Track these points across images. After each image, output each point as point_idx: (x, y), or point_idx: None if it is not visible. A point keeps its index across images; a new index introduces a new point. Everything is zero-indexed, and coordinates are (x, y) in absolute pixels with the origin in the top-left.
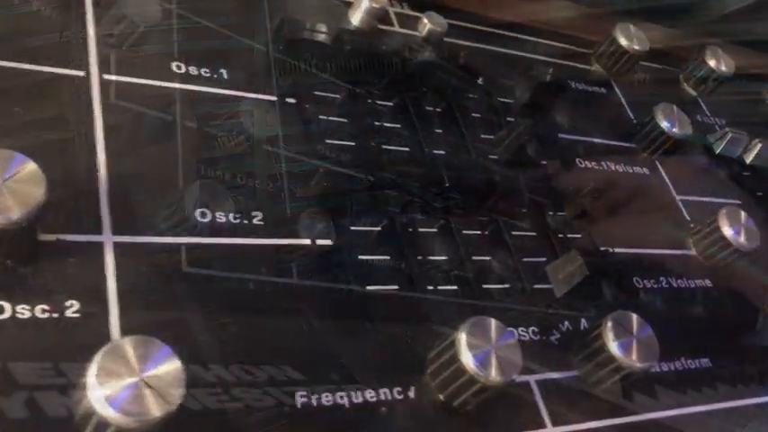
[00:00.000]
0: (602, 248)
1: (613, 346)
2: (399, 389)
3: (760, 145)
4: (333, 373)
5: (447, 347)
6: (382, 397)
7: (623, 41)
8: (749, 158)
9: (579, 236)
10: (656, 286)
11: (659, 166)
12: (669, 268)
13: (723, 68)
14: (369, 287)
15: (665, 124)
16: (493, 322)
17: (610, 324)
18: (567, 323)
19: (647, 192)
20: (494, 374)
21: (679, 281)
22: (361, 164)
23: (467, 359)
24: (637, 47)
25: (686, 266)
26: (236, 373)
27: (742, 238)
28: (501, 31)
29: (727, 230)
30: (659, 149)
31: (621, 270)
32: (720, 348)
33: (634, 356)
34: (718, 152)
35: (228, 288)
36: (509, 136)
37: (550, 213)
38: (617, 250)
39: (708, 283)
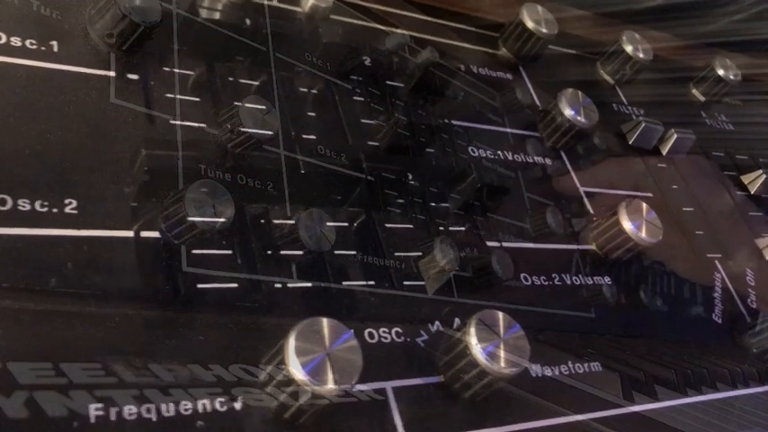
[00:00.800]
0: (489, 243)
1: (477, 350)
2: (222, 400)
3: (676, 135)
4: None
5: (276, 353)
6: (200, 409)
7: (530, 24)
8: (665, 149)
9: (463, 229)
10: (546, 283)
11: (564, 157)
12: (563, 264)
13: (640, 55)
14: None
15: (568, 112)
16: (326, 323)
17: (474, 324)
18: (437, 323)
19: (548, 183)
20: (329, 383)
21: (574, 277)
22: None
23: (296, 367)
24: (545, 30)
25: (582, 262)
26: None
27: (643, 233)
28: (398, 11)
29: (627, 224)
30: (563, 139)
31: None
32: (607, 352)
33: (500, 361)
34: (631, 142)
35: None
36: (388, 122)
37: (432, 204)
38: (506, 245)
39: (606, 279)
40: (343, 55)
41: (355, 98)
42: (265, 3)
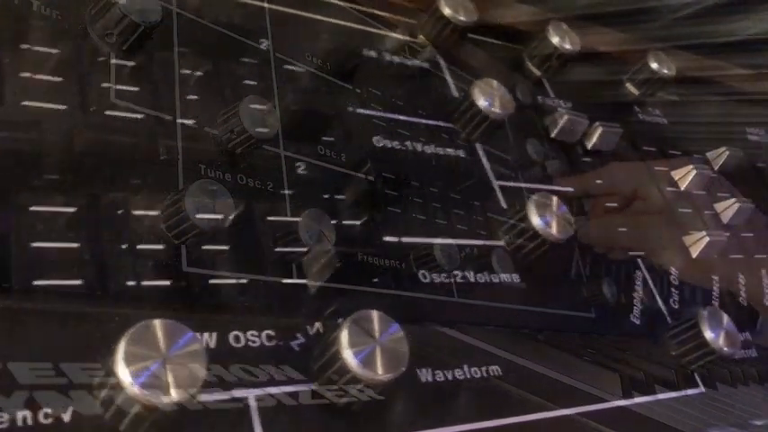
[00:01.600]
0: (388, 238)
1: (348, 354)
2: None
3: (601, 128)
4: None
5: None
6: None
7: (447, 11)
8: (590, 143)
9: (358, 223)
10: (447, 281)
11: (479, 149)
12: (467, 261)
13: (567, 46)
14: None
15: (482, 102)
16: (158, 325)
17: (347, 327)
18: (317, 325)
19: (459, 177)
20: (168, 394)
21: (479, 275)
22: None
23: (123, 376)
24: (462, 17)
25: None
26: None
27: (553, 228)
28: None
29: (536, 220)
30: (477, 130)
31: (401, 263)
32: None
33: (376, 365)
34: (553, 135)
35: None
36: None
37: (325, 197)
38: (407, 240)
39: (515, 277)
40: (343, 55)
41: (355, 98)
42: (265, 4)
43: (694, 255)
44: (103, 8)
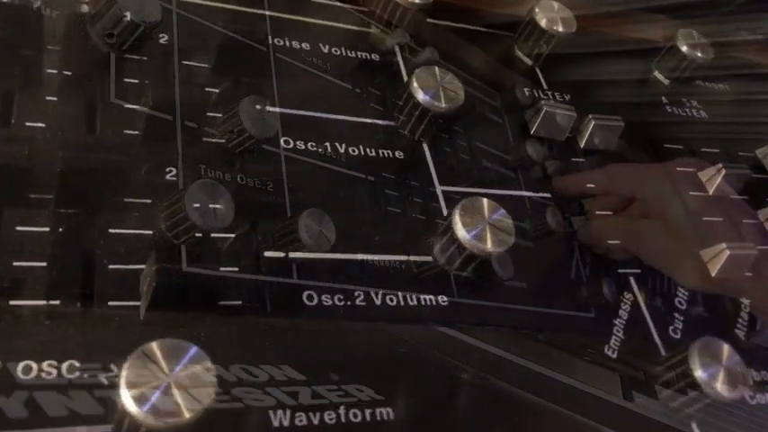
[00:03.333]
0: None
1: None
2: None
3: (593, 122)
4: None
5: None
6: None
7: None
8: (582, 140)
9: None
10: (340, 303)
11: (425, 149)
12: (391, 279)
13: (559, 28)
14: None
15: (421, 96)
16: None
17: (128, 367)
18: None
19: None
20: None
21: (403, 293)
22: None
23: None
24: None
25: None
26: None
27: (483, 241)
28: None
29: (461, 232)
30: (420, 127)
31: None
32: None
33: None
34: (532, 131)
35: None
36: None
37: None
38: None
39: (442, 300)
40: (342, 55)
41: (355, 98)
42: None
43: (713, 272)
44: (103, 8)
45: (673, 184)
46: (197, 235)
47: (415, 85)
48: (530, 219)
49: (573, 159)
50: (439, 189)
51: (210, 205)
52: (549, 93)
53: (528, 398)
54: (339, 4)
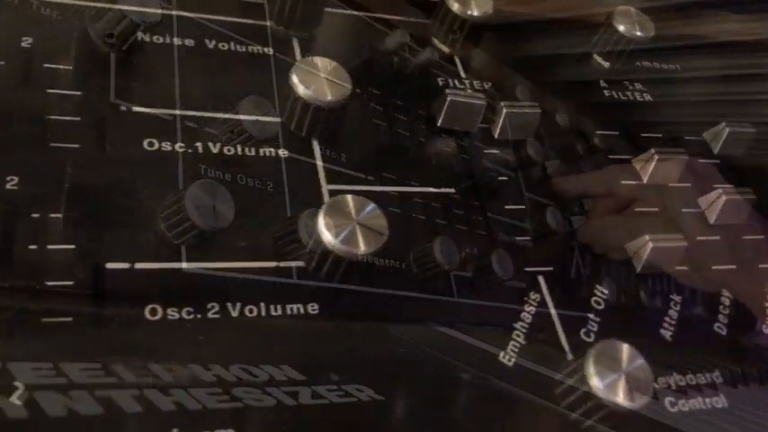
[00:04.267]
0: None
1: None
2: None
3: (505, 110)
4: None
5: None
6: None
7: None
8: (496, 130)
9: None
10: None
11: (315, 147)
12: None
13: (474, 12)
14: None
15: (302, 91)
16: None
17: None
18: None
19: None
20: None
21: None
22: None
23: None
24: None
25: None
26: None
27: (353, 243)
28: None
29: (326, 235)
30: (306, 123)
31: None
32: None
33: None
34: (440, 123)
35: None
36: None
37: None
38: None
39: (312, 308)
40: (343, 55)
41: (355, 98)
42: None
43: (638, 268)
44: (103, 8)
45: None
46: (197, 235)
47: (295, 79)
48: (530, 219)
49: (486, 151)
50: (326, 188)
51: (210, 205)
52: (468, 81)
53: (527, 397)
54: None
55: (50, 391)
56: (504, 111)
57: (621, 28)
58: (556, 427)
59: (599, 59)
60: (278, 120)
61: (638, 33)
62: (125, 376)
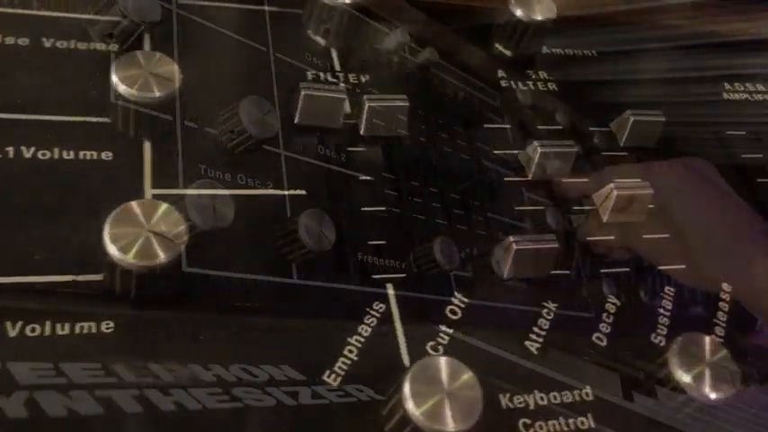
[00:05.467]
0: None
1: None
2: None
3: (367, 104)
4: None
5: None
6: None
7: None
8: (361, 126)
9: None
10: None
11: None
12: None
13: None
14: None
15: (123, 89)
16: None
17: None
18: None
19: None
20: None
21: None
22: None
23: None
24: None
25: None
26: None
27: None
28: None
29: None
30: (132, 123)
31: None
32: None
33: None
34: (297, 120)
35: None
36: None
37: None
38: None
39: (106, 326)
40: (343, 55)
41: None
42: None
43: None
44: (103, 8)
45: (672, 183)
46: (197, 235)
47: (115, 78)
48: (530, 219)
49: (350, 149)
50: (149, 192)
51: (211, 205)
52: (341, 75)
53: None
54: None
55: (50, 391)
56: (368, 105)
57: (519, 12)
58: None
59: (501, 49)
60: (277, 119)
61: (538, 17)
62: (125, 376)
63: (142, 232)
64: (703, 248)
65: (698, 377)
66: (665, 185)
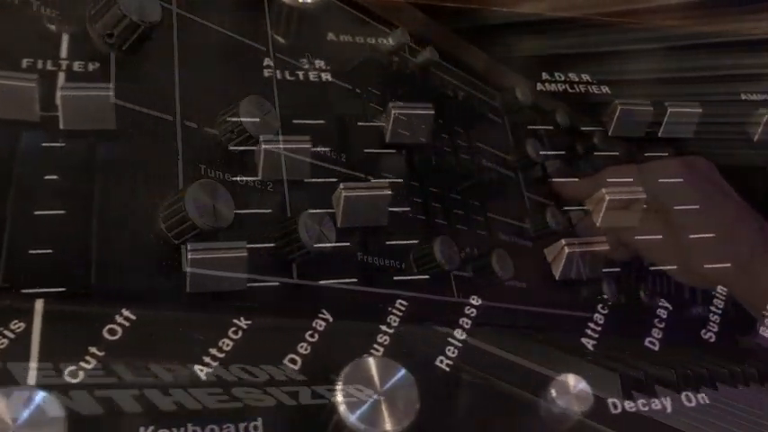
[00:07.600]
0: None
1: None
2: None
3: (393, 113)
4: None
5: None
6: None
7: None
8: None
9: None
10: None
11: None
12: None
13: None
14: None
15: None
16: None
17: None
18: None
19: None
20: None
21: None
22: None
23: None
24: None
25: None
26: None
27: None
28: None
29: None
30: None
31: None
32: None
33: None
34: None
35: None
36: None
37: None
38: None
39: None
40: (343, 55)
41: (355, 98)
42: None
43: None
44: (103, 8)
45: (672, 182)
46: (197, 235)
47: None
48: (530, 219)
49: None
50: None
51: (210, 205)
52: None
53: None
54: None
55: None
56: (393, 113)
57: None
58: None
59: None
60: (277, 119)
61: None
62: (125, 376)
63: None
64: (703, 247)
65: None
66: (665, 184)
